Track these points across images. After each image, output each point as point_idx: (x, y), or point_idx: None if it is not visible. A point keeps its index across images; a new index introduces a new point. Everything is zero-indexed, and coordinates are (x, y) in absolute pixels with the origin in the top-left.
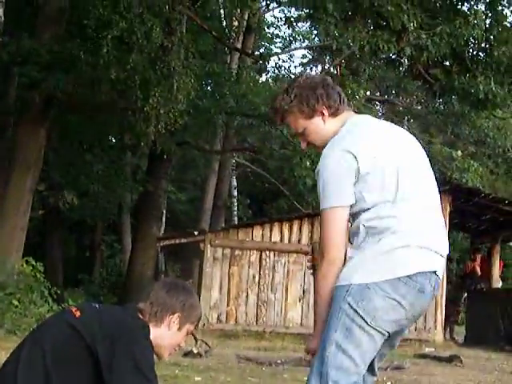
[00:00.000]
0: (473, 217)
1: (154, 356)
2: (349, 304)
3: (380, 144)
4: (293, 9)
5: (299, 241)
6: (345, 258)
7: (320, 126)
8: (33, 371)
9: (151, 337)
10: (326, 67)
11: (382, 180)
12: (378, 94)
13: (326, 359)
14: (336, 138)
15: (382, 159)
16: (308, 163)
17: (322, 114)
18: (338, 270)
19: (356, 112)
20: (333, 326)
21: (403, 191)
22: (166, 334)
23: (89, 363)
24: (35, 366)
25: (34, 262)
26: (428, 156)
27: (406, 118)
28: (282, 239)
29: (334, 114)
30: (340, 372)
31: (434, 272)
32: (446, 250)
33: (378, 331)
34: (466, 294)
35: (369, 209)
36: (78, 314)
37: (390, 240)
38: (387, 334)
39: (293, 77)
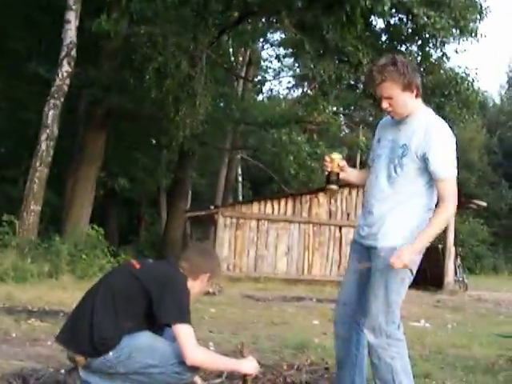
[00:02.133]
0: None
1: None
2: None
3: None
4: (281, 48)
5: (285, 213)
6: None
7: (407, 100)
8: (105, 304)
9: (188, 286)
10: (304, 90)
11: None
12: (341, 109)
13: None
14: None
15: None
16: (291, 158)
17: (412, 92)
18: None
19: (324, 123)
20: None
21: None
22: (197, 286)
23: (144, 301)
24: (107, 301)
25: (97, 228)
26: None
27: (361, 126)
28: (273, 212)
29: (417, 96)
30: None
31: None
32: None
33: None
34: None
35: None
36: (137, 266)
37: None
38: None
39: (282, 95)
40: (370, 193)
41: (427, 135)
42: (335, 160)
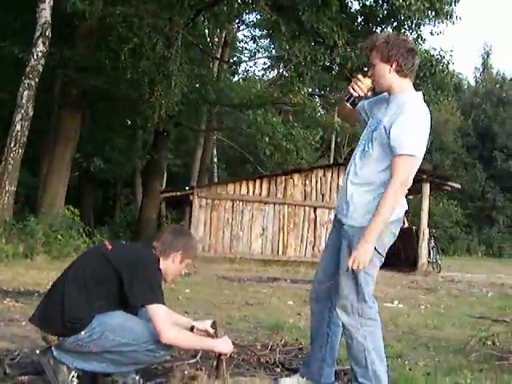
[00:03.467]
0: None
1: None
2: None
3: None
4: (257, 29)
5: (260, 194)
6: None
7: (386, 72)
8: (76, 285)
9: (161, 266)
10: (280, 71)
11: None
12: (316, 90)
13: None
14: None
15: None
16: (267, 139)
17: (391, 66)
18: None
19: (300, 104)
20: None
21: None
22: (170, 266)
23: (115, 282)
24: (78, 281)
25: (72, 209)
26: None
27: (336, 107)
28: (248, 192)
29: (399, 73)
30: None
31: None
32: None
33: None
34: None
35: None
36: (109, 247)
37: None
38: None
39: (258, 77)
40: (347, 168)
41: (398, 110)
42: (368, 86)
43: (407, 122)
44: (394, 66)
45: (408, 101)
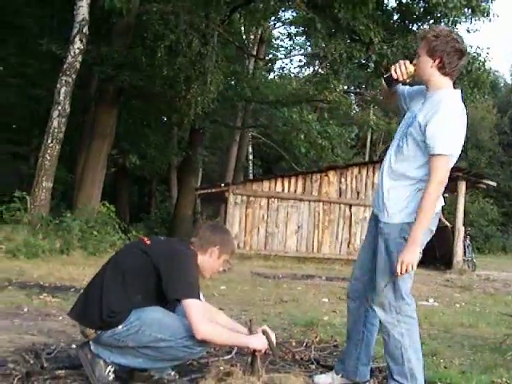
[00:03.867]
0: None
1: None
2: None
3: None
4: (293, 27)
5: (295, 191)
6: None
7: (427, 65)
8: (115, 279)
9: (198, 262)
10: (315, 69)
11: None
12: (352, 87)
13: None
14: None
15: None
16: (302, 136)
17: (434, 61)
18: None
19: (335, 101)
20: None
21: None
22: (208, 261)
23: (153, 276)
24: (116, 276)
25: (108, 205)
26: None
27: (372, 105)
28: (283, 190)
29: (441, 70)
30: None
31: None
32: None
33: None
34: None
35: None
36: (148, 242)
37: None
38: None
39: (293, 74)
40: (382, 164)
41: (434, 108)
42: (410, 73)
43: (443, 120)
44: (436, 62)
45: (444, 99)
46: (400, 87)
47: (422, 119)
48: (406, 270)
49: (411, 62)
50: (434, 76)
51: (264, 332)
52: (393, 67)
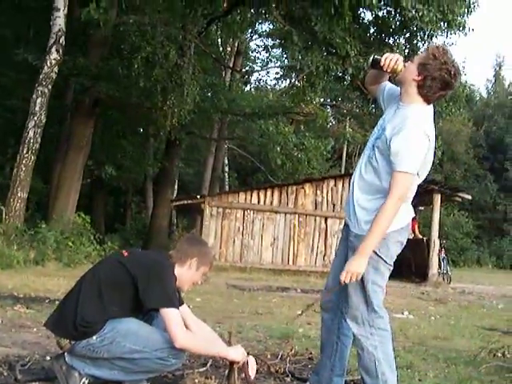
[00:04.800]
0: None
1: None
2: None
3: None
4: (269, 39)
5: (271, 203)
6: None
7: (411, 78)
8: (91, 290)
9: (177, 274)
10: (292, 81)
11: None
12: (328, 100)
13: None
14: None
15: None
16: (278, 148)
17: (418, 76)
18: None
19: (311, 114)
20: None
21: None
22: (186, 272)
23: (130, 287)
24: (93, 286)
25: (83, 215)
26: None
27: (348, 117)
28: (259, 202)
29: (419, 88)
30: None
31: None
32: None
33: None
34: None
35: None
36: (126, 254)
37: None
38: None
39: (270, 86)
40: (354, 173)
41: (401, 123)
42: (397, 70)
43: (407, 138)
44: (419, 79)
45: (412, 116)
46: (383, 81)
47: (388, 133)
48: (351, 279)
49: (404, 61)
50: (412, 90)
51: (247, 363)
52: (386, 55)
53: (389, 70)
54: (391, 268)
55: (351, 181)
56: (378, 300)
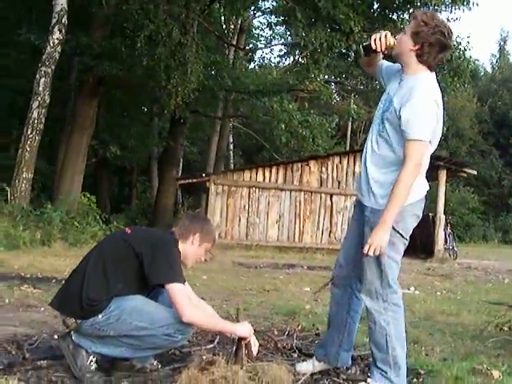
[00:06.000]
0: None
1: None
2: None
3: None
4: (273, 16)
5: (276, 181)
6: None
7: (407, 47)
8: (95, 268)
9: (180, 249)
10: (296, 58)
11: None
12: (332, 77)
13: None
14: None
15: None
16: (283, 126)
17: (415, 45)
18: None
19: (316, 91)
20: None
21: None
22: (189, 248)
23: (135, 264)
24: (97, 264)
25: (89, 196)
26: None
27: (353, 94)
28: (264, 179)
29: (418, 57)
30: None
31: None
32: None
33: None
34: None
35: None
36: (129, 231)
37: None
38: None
39: (273, 64)
40: (364, 149)
41: (408, 93)
42: (390, 44)
43: (417, 106)
44: (416, 48)
45: (418, 85)
46: (379, 60)
47: (397, 104)
48: (374, 251)
49: (393, 35)
50: (411, 60)
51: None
52: (373, 37)
53: (383, 48)
54: (407, 243)
55: (363, 158)
56: (393, 275)
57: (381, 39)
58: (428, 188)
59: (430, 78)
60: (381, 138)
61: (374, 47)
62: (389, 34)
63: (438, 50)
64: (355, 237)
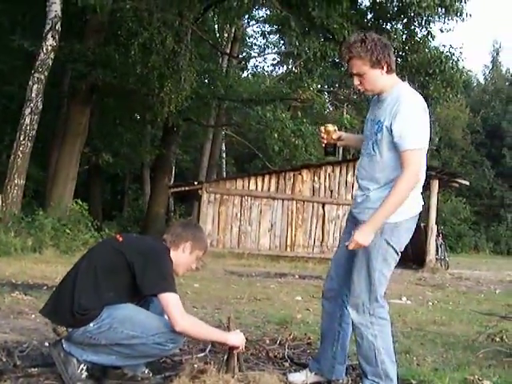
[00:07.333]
0: None
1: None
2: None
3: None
4: (266, 25)
5: (269, 189)
6: None
7: (377, 76)
8: (87, 276)
9: (171, 257)
10: (289, 67)
11: None
12: (326, 86)
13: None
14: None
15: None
16: (276, 135)
17: (382, 69)
18: None
19: (309, 100)
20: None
21: None
22: (181, 256)
23: (127, 272)
24: (88, 273)
25: (81, 203)
26: (361, 131)
27: (346, 104)
28: (256, 188)
29: (389, 72)
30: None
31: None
32: None
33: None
34: None
35: None
36: (120, 239)
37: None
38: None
39: (267, 72)
40: (358, 169)
41: (395, 106)
42: (330, 132)
43: (407, 115)
44: (384, 69)
45: (402, 94)
46: (357, 137)
47: (387, 121)
48: (354, 247)
49: (324, 124)
50: (387, 81)
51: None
52: (321, 141)
53: (331, 138)
54: (398, 258)
55: (358, 174)
56: (381, 290)
57: (322, 136)
58: (423, 203)
59: (403, 85)
60: (373, 161)
61: (326, 142)
62: (322, 128)
63: (391, 51)
64: (347, 250)
